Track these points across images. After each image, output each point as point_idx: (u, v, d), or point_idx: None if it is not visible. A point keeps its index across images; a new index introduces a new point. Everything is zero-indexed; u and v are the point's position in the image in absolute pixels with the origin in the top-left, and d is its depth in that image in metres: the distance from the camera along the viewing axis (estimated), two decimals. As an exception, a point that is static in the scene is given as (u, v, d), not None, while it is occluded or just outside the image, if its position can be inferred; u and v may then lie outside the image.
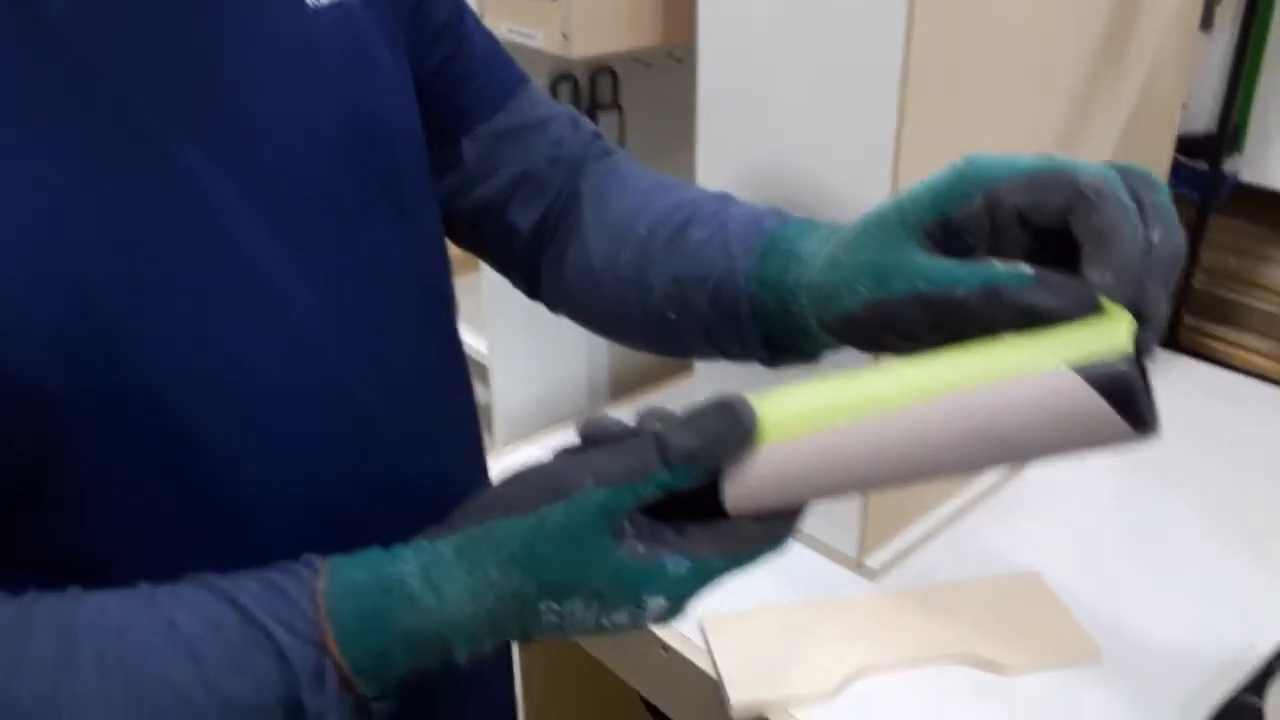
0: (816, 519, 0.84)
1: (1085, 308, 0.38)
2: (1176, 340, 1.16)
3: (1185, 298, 1.14)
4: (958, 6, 0.68)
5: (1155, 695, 0.70)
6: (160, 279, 0.42)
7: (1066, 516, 0.88)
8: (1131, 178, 0.40)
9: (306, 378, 0.48)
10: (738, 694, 0.70)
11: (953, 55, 0.69)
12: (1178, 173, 1.07)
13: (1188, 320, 1.16)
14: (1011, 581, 0.80)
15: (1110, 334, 0.37)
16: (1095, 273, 0.38)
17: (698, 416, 0.40)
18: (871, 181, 0.70)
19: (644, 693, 0.84)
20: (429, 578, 0.41)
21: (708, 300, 0.53)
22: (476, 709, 0.70)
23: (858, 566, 0.82)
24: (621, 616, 0.40)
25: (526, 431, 1.06)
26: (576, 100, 1.04)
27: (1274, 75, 1.04)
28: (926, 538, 0.85)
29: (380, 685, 0.42)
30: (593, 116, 1.05)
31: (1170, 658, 0.73)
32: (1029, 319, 0.39)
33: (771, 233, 0.51)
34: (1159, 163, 0.99)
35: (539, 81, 0.99)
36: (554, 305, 0.65)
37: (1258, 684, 0.66)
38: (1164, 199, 0.40)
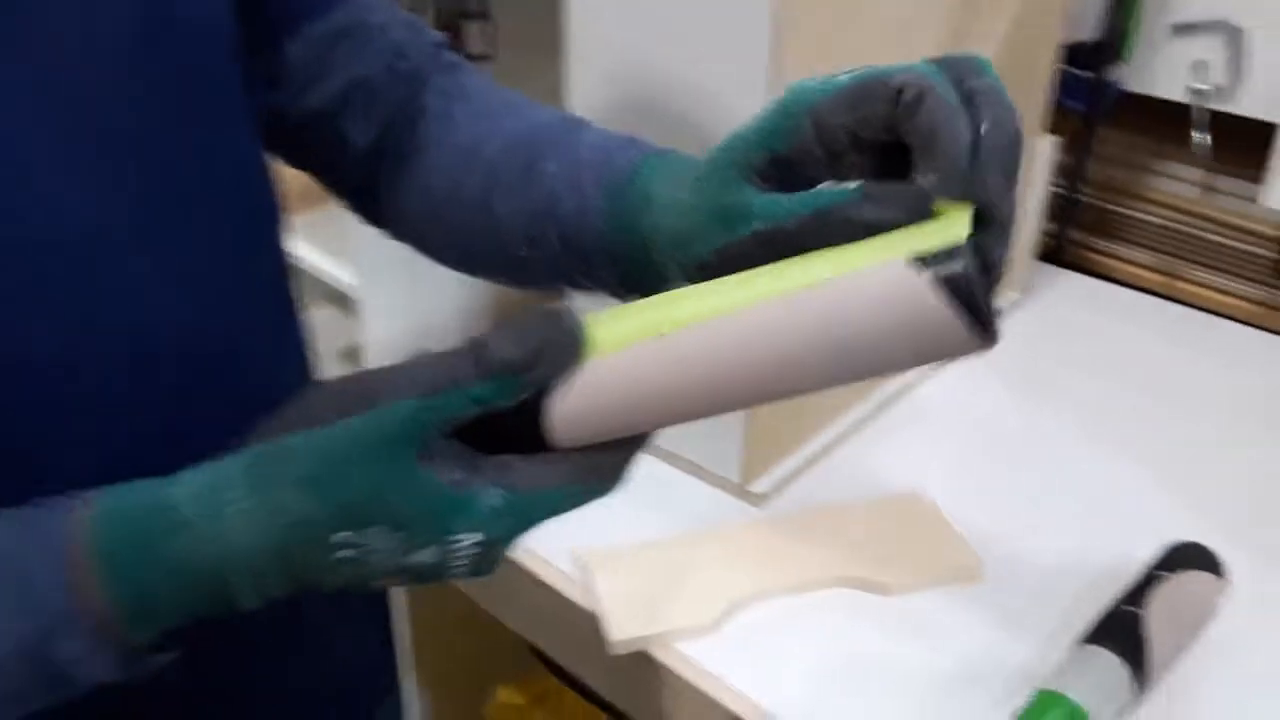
0: (699, 445, 0.81)
1: (918, 213, 0.36)
2: (1063, 256, 1.15)
3: (1071, 213, 1.13)
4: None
5: (1037, 608, 0.69)
6: None
7: (950, 434, 0.87)
8: (955, 67, 0.38)
9: (97, 300, 0.43)
10: (617, 630, 0.68)
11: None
12: (1064, 83, 1.05)
13: (1074, 235, 1.15)
14: (894, 502, 0.78)
15: (947, 231, 0.35)
16: (924, 175, 0.36)
17: (520, 324, 0.36)
18: (747, 91, 0.66)
19: (525, 634, 0.81)
20: (207, 500, 0.36)
21: (559, 239, 0.50)
22: (344, 663, 0.66)
23: (742, 493, 0.80)
24: (427, 555, 0.36)
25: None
26: (439, 9, 0.97)
27: (1157, -20, 1.02)
28: (811, 461, 0.83)
29: (152, 630, 0.37)
30: (458, 27, 0.99)
31: (1051, 571, 0.72)
32: (865, 235, 0.37)
33: (627, 171, 0.48)
34: (1043, 73, 0.97)
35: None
36: (395, 232, 0.60)
37: (1137, 593, 0.65)
38: (992, 82, 0.37)
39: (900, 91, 0.36)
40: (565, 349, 0.36)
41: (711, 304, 0.36)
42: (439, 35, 0.60)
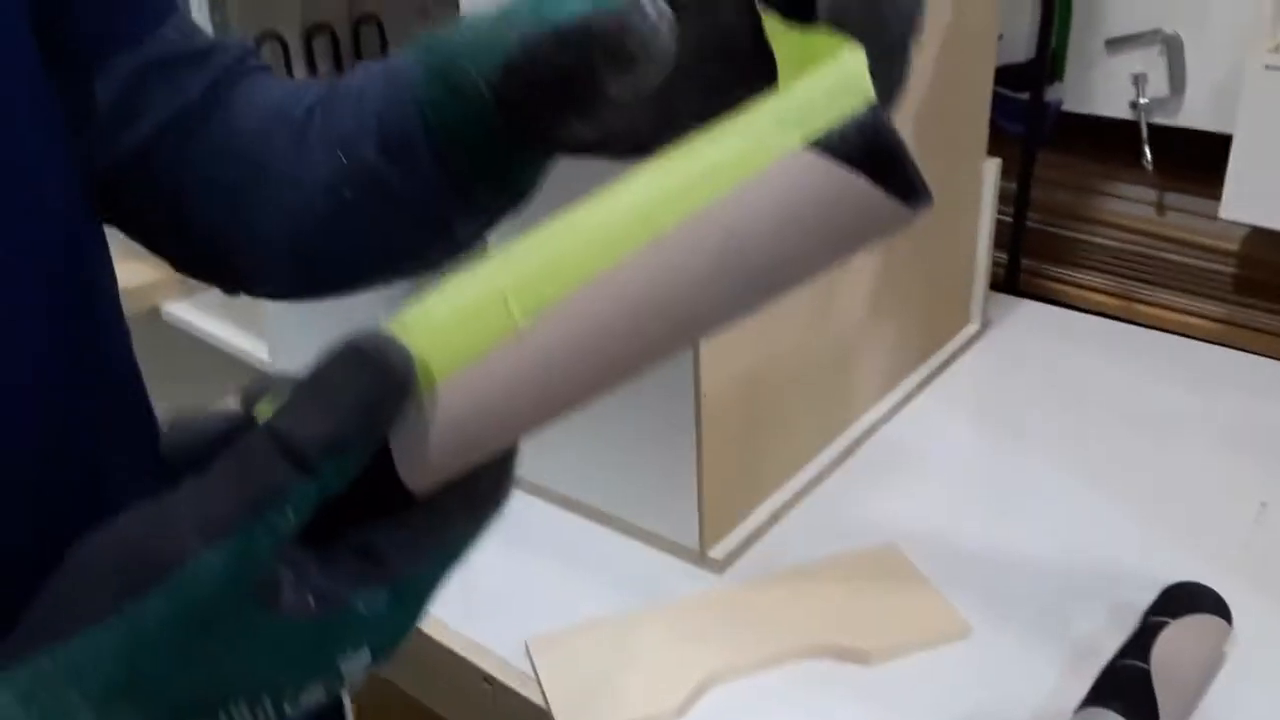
0: (650, 510, 0.75)
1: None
2: (1016, 285, 1.11)
3: (1019, 239, 1.10)
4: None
5: (1030, 667, 0.63)
6: None
7: (920, 478, 0.81)
8: None
9: None
10: (571, 725, 0.60)
11: None
12: (1001, 106, 1.01)
13: (1025, 263, 1.11)
14: (867, 557, 0.72)
15: (841, 81, 0.27)
16: None
17: (324, 382, 0.26)
18: None
19: (473, 732, 0.73)
20: None
21: (375, 145, 0.42)
22: None
23: (700, 559, 0.73)
24: (315, 693, 0.28)
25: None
26: (337, 57, 0.91)
27: (1088, -4, 1.00)
28: (774, 518, 0.77)
29: None
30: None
31: (1040, 623, 0.66)
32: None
33: (428, 44, 0.42)
34: (980, 97, 0.93)
35: (290, 35, 0.88)
36: (237, 272, 0.51)
37: (1137, 644, 0.60)
38: None
39: None
40: (395, 396, 0.26)
41: (551, 262, 0.27)
42: (245, 44, 0.52)
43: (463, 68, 0.39)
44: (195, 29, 0.49)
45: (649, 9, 0.34)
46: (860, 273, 0.82)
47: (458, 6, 0.70)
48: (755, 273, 0.28)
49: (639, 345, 0.28)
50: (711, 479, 0.71)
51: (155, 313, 1.15)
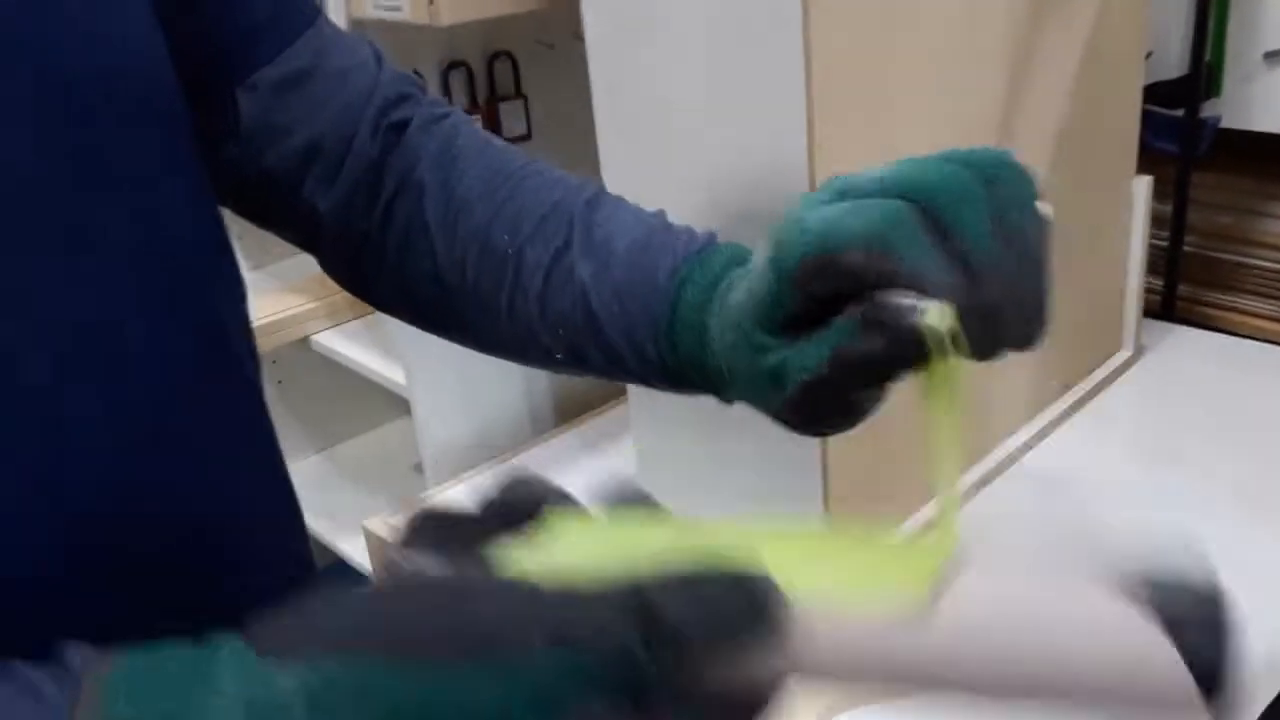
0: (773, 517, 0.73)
1: (908, 337, 0.33)
2: (1173, 311, 1.05)
3: (1176, 264, 1.04)
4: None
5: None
6: None
7: (1070, 509, 0.77)
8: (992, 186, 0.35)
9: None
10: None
11: (858, 23, 0.61)
12: (1154, 125, 0.97)
13: (1182, 289, 1.05)
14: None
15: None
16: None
17: (704, 591, 0.27)
18: (788, 169, 0.61)
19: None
20: None
21: (600, 352, 0.45)
22: None
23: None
24: None
25: (460, 469, 0.95)
26: (473, 91, 0.94)
27: (1245, 6, 0.94)
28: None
29: None
30: (494, 108, 0.96)
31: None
32: (883, 365, 0.35)
33: (670, 298, 0.43)
34: (1127, 115, 0.89)
35: (428, 71, 0.91)
36: (397, 314, 0.52)
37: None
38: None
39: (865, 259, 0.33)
40: (752, 626, 0.27)
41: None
42: (410, 76, 0.52)
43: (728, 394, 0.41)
44: (339, 37, 0.50)
45: (852, 349, 0.35)
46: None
47: (583, 40, 0.71)
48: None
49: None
50: (837, 500, 0.69)
51: (305, 342, 1.20)
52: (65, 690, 0.27)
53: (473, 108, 0.95)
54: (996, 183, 0.35)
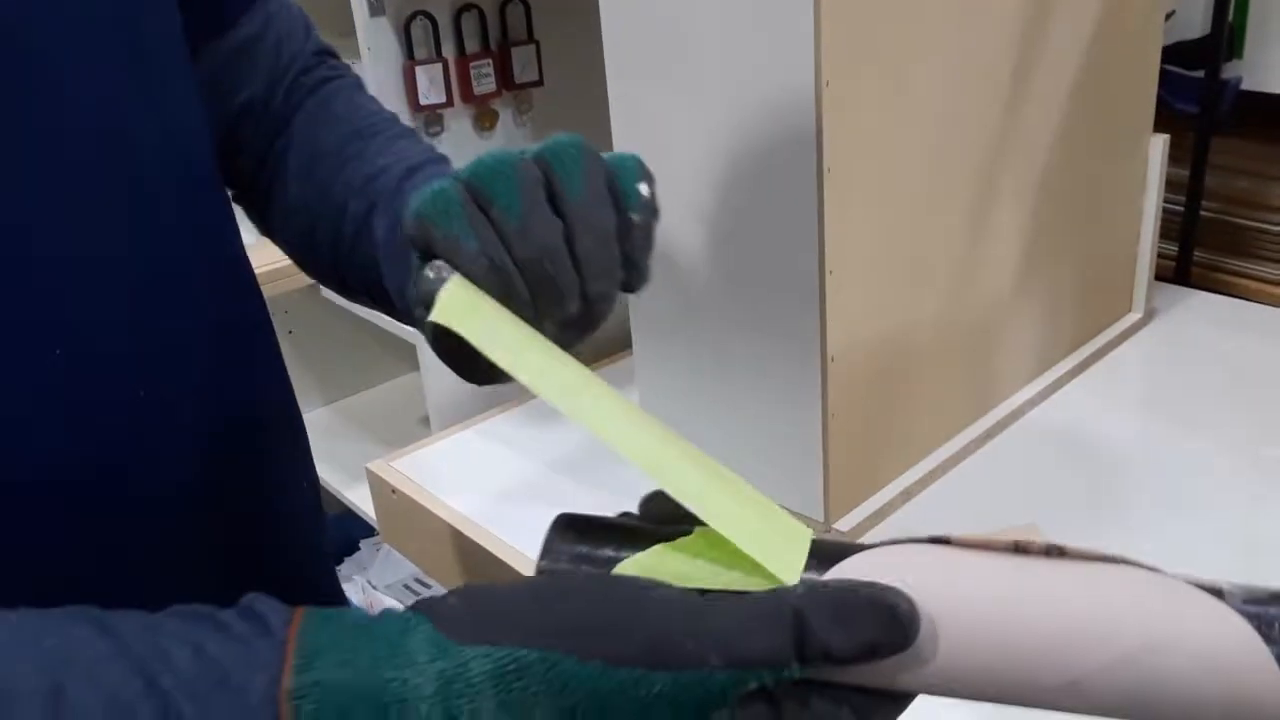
0: (772, 477, 0.73)
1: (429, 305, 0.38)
2: (1187, 276, 1.04)
3: (1191, 228, 1.03)
4: None
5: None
6: None
7: (1070, 465, 0.77)
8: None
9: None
10: None
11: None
12: (1172, 85, 0.96)
13: (1198, 255, 1.04)
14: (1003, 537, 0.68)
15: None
16: None
17: (852, 610, 0.30)
18: (797, 111, 0.60)
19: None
20: (447, 706, 0.28)
21: (387, 296, 0.51)
22: None
23: (824, 533, 0.71)
24: None
25: (462, 416, 0.95)
26: (485, 35, 0.94)
27: (1272, -36, 0.93)
28: (905, 495, 0.74)
29: None
30: (505, 52, 0.95)
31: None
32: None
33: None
34: (1145, 74, 0.88)
35: (440, 13, 0.91)
36: (284, 249, 0.58)
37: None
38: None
39: None
40: (893, 647, 0.30)
41: None
42: (324, 43, 0.58)
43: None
44: (278, 7, 0.55)
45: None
46: (1007, 243, 0.78)
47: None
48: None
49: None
50: (838, 448, 0.69)
51: (315, 290, 1.20)
52: (267, 643, 0.29)
53: (484, 51, 0.94)
54: (548, 160, 0.40)
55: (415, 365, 1.11)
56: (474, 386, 0.43)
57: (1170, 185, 0.95)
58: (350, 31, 0.93)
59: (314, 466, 0.56)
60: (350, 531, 1.52)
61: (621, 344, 0.92)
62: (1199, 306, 0.98)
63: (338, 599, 0.58)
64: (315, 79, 0.56)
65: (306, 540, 0.54)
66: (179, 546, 0.43)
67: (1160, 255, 0.95)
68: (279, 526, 0.51)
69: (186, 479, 0.43)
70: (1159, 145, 0.90)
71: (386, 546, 1.29)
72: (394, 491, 0.83)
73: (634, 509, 0.36)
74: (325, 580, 0.57)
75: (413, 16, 0.91)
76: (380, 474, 0.85)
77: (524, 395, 0.94)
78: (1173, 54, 0.95)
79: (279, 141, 0.55)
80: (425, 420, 1.13)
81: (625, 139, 0.73)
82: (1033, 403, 0.83)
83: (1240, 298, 1.01)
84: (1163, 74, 0.90)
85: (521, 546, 0.73)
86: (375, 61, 0.93)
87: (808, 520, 0.72)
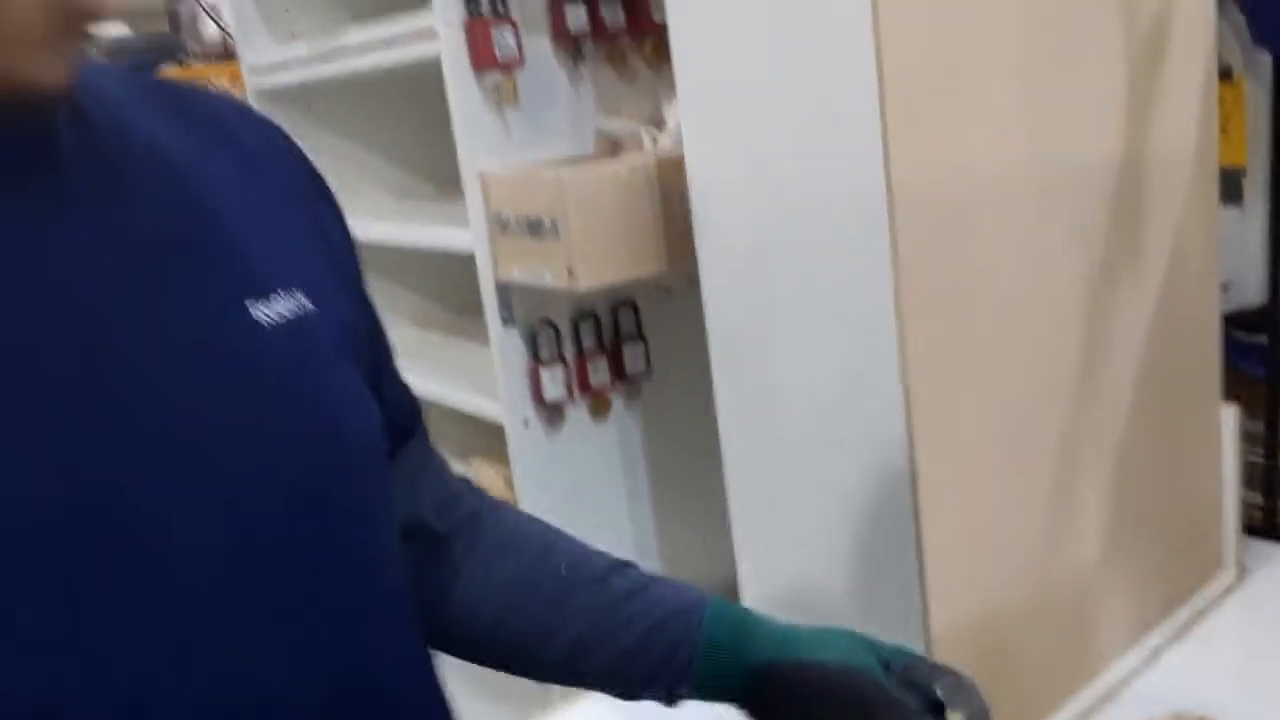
0: None
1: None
2: (1275, 530, 1.07)
3: (1273, 482, 1.06)
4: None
5: None
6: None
7: None
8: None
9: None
10: None
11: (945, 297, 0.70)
12: (1238, 350, 1.02)
13: (1282, 506, 1.07)
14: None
15: None
16: None
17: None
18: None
19: None
20: None
21: (636, 637, 0.56)
22: None
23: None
24: None
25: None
26: (599, 335, 1.05)
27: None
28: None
29: None
30: (617, 349, 1.06)
31: None
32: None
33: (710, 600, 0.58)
34: (1207, 344, 0.95)
35: (561, 322, 1.03)
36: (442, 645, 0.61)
37: None
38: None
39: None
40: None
41: None
42: (462, 475, 0.64)
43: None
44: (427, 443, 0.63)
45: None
46: (1095, 511, 0.83)
47: (699, 288, 0.81)
48: None
49: None
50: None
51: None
52: None
53: (598, 350, 1.06)
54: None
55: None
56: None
57: (1246, 437, 0.99)
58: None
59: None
60: None
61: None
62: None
63: None
64: (470, 507, 0.62)
65: None
66: None
67: (1246, 504, 0.99)
68: None
69: None
70: (1230, 418, 0.95)
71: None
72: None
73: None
74: None
75: (539, 325, 1.04)
76: None
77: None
78: (1233, 321, 1.01)
79: (447, 560, 0.60)
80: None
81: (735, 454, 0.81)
82: (1135, 673, 0.86)
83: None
84: (1228, 339, 0.96)
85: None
86: (505, 367, 1.04)
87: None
